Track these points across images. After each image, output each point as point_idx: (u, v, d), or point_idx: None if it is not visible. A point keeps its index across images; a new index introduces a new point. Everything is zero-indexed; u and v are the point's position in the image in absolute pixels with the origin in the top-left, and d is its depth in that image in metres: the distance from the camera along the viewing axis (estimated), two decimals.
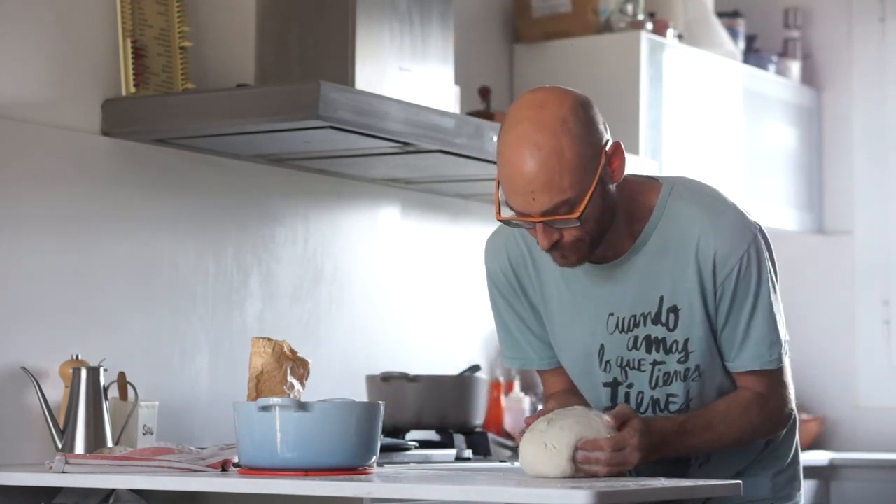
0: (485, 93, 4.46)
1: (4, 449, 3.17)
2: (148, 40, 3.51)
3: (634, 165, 4.27)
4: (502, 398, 4.27)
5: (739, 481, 2.45)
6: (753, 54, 5.26)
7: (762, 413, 2.55)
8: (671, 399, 2.55)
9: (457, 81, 3.98)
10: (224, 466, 2.74)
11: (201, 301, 3.61)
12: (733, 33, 5.15)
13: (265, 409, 2.48)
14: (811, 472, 4.86)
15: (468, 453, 3.63)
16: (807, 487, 4.81)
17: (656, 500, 2.31)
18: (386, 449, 3.32)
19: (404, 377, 3.71)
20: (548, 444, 2.38)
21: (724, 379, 2.57)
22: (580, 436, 2.37)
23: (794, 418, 2.68)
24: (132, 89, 3.45)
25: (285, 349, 2.82)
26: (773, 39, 5.44)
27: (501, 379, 4.37)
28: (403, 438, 3.61)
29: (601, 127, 2.42)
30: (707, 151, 4.87)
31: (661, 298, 2.51)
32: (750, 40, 5.30)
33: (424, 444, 3.63)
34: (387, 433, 3.61)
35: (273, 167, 3.82)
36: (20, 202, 3.25)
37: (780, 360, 2.55)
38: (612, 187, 2.44)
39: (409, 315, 4.21)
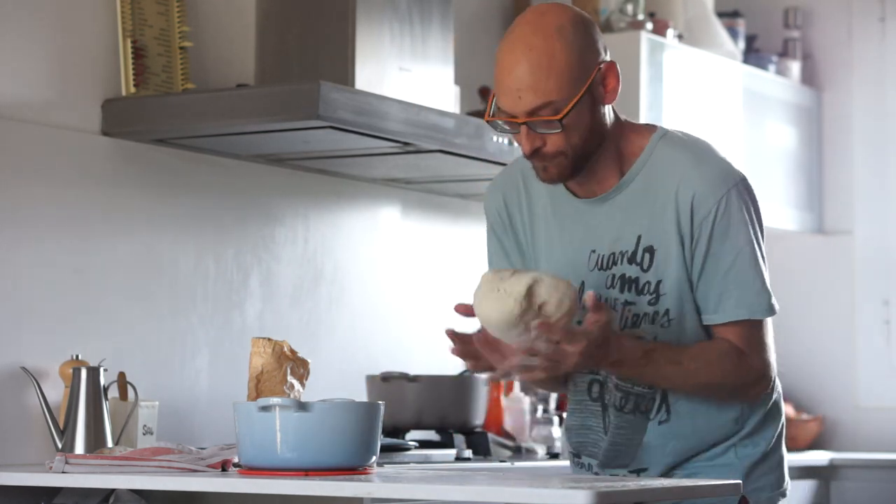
0: (485, 93, 4.46)
1: (4, 449, 3.17)
2: (148, 40, 3.51)
3: None
4: (502, 398, 4.27)
5: (739, 481, 2.45)
6: (753, 54, 5.26)
7: (738, 367, 2.50)
8: None
9: (457, 81, 3.98)
10: (224, 466, 2.74)
11: (201, 301, 3.62)
12: (733, 33, 5.15)
13: (265, 409, 2.48)
14: (811, 472, 4.86)
15: (468, 453, 3.64)
16: (807, 487, 4.81)
17: (656, 499, 2.31)
18: (386, 449, 3.33)
19: (404, 377, 3.72)
20: (500, 289, 2.37)
21: (701, 334, 2.53)
22: (535, 283, 2.34)
23: (777, 404, 2.64)
24: (132, 89, 3.45)
25: (285, 349, 2.82)
26: (773, 39, 5.44)
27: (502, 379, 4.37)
28: (403, 438, 3.61)
29: (599, 46, 2.46)
30: None
31: (639, 238, 2.51)
32: (750, 40, 5.30)
33: (424, 444, 3.63)
34: (387, 433, 3.61)
35: (273, 167, 3.82)
36: (20, 202, 3.26)
37: (769, 308, 2.51)
38: (604, 110, 2.48)
39: (409, 315, 4.21)
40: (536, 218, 2.62)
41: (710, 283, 2.49)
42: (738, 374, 2.51)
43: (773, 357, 2.57)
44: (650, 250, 2.51)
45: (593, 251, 2.54)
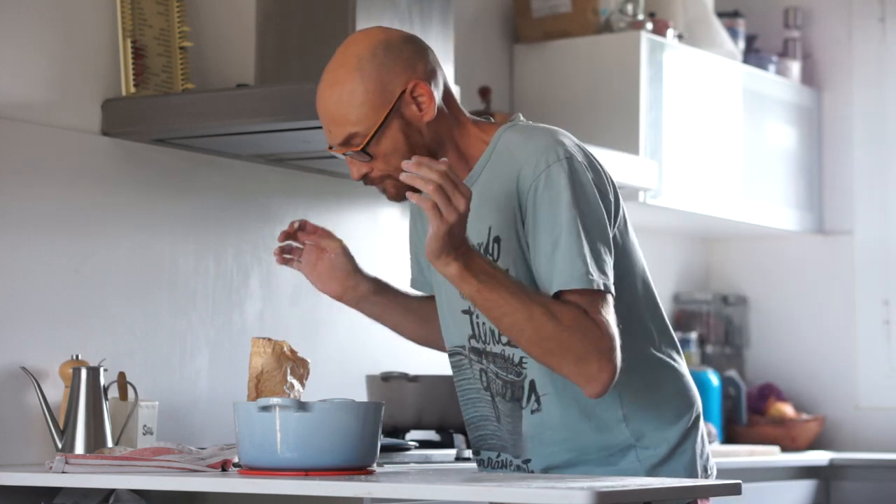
0: (485, 93, 4.46)
1: (4, 449, 3.17)
2: (148, 40, 3.51)
3: (635, 166, 4.29)
4: None
5: (739, 481, 2.45)
6: (753, 54, 5.26)
7: (579, 322, 2.39)
8: (494, 329, 2.55)
9: (457, 81, 3.98)
10: (224, 466, 2.74)
11: (201, 301, 3.62)
12: (733, 33, 5.15)
13: (265, 409, 2.48)
14: (811, 472, 4.86)
15: (468, 453, 3.63)
16: (807, 487, 4.82)
17: (656, 499, 2.31)
18: (386, 449, 3.32)
19: (404, 377, 3.71)
20: None
21: None
22: None
23: (678, 405, 2.57)
24: (132, 89, 3.45)
25: (285, 349, 2.82)
26: (773, 39, 5.44)
27: None
28: (403, 438, 3.61)
29: (407, 67, 2.50)
30: (707, 151, 4.87)
31: (490, 228, 2.53)
32: (750, 40, 5.30)
33: (424, 444, 3.63)
34: (387, 433, 3.61)
35: (273, 167, 3.82)
36: (20, 202, 3.26)
37: (590, 280, 2.40)
38: (425, 125, 2.52)
39: None
40: (417, 218, 2.80)
41: (539, 261, 2.47)
42: (578, 328, 2.40)
43: (615, 335, 2.42)
44: (497, 240, 2.53)
45: None
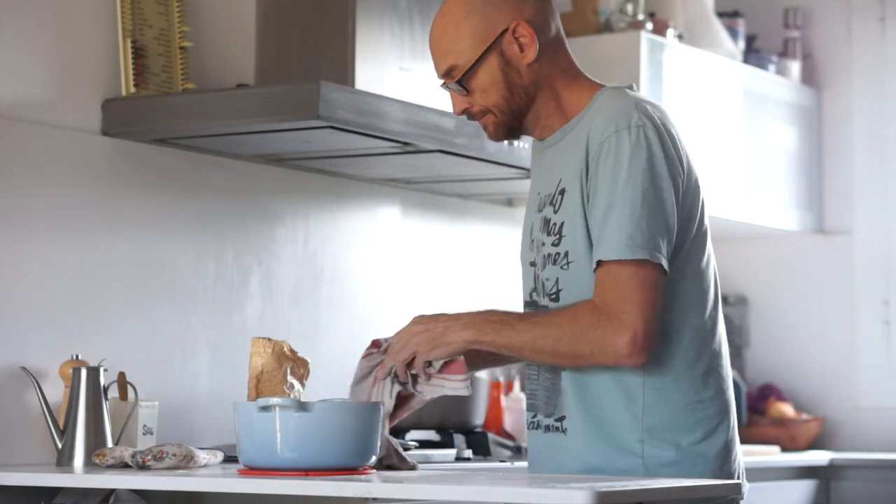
0: None
1: (4, 449, 3.17)
2: (148, 40, 3.51)
3: None
4: (502, 398, 4.27)
5: (739, 481, 2.45)
6: (753, 54, 5.26)
7: (585, 314, 2.42)
8: (546, 283, 2.55)
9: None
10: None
11: (201, 301, 3.62)
12: (733, 33, 5.15)
13: (265, 409, 2.48)
14: (811, 472, 4.86)
15: (468, 453, 3.64)
16: (807, 487, 4.82)
17: (656, 499, 2.31)
18: None
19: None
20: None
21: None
22: None
23: (708, 405, 2.50)
24: (132, 89, 3.45)
25: (285, 349, 2.82)
26: (773, 39, 5.44)
27: (501, 379, 4.37)
28: (403, 438, 3.61)
29: (514, 7, 2.55)
30: (707, 151, 4.87)
31: (560, 180, 2.55)
32: (750, 40, 5.30)
33: (424, 444, 3.63)
34: None
35: (273, 167, 3.82)
36: (20, 202, 3.26)
37: (633, 249, 2.39)
38: (524, 66, 2.56)
39: (409, 315, 4.20)
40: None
41: (593, 223, 2.47)
42: (586, 321, 2.42)
43: (643, 311, 2.40)
44: (563, 192, 2.53)
45: (538, 193, 2.61)
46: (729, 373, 2.56)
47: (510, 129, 2.59)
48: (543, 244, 2.54)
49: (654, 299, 2.40)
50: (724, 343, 2.56)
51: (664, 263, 2.42)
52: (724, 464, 2.49)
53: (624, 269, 2.40)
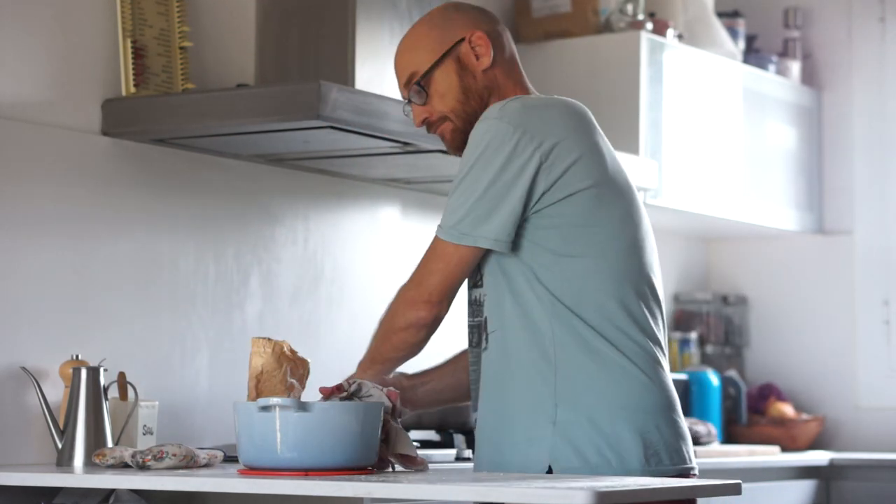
0: None
1: (4, 449, 3.17)
2: (148, 40, 3.51)
3: (635, 166, 4.29)
4: None
5: (739, 481, 2.45)
6: (753, 54, 5.26)
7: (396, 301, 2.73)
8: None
9: None
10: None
11: (201, 301, 3.62)
12: (733, 33, 5.15)
13: (265, 409, 2.48)
14: (811, 472, 4.86)
15: (468, 453, 3.63)
16: (807, 487, 4.82)
17: (656, 499, 2.31)
18: None
19: (403, 377, 3.71)
20: None
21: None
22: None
23: (623, 367, 2.54)
24: (132, 89, 3.45)
25: (285, 349, 2.82)
26: (773, 39, 5.44)
27: None
28: None
29: (470, 20, 2.71)
30: (707, 151, 4.87)
31: None
32: (750, 40, 5.30)
33: (424, 444, 3.63)
34: None
35: (273, 167, 3.82)
36: (20, 202, 3.26)
37: (446, 229, 2.58)
38: (481, 72, 2.69)
39: None
40: None
41: None
42: (397, 307, 2.73)
43: (434, 279, 2.62)
44: None
45: None
46: None
47: (467, 135, 2.66)
48: None
49: (448, 269, 2.60)
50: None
51: (479, 245, 2.56)
52: None
53: (434, 247, 2.62)
